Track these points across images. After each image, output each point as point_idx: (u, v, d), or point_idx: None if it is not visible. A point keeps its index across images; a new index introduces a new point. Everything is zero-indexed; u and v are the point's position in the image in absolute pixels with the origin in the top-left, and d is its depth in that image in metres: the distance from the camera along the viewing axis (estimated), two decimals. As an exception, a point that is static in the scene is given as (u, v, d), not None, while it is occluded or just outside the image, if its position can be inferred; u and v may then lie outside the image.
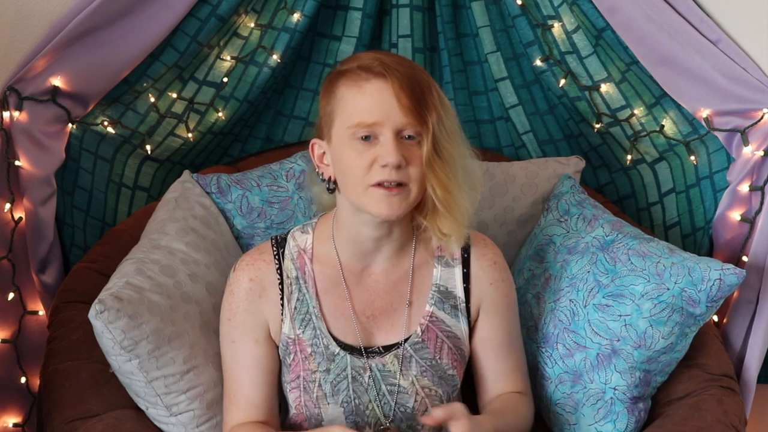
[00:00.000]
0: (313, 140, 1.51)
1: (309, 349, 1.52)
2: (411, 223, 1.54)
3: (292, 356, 1.53)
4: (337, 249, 1.54)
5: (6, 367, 1.86)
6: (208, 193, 1.87)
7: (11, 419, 1.90)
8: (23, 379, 1.88)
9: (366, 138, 1.41)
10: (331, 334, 1.53)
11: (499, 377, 1.61)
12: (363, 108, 1.41)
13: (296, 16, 2.04)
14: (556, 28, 2.06)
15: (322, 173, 1.50)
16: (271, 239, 1.58)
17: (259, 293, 1.53)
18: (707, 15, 1.89)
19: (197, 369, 1.58)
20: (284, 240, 1.57)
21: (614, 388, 1.64)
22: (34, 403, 1.90)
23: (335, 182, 1.49)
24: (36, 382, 1.87)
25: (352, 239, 1.52)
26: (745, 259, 1.91)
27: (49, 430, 1.59)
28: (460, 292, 1.57)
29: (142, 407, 1.59)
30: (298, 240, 1.57)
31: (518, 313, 1.66)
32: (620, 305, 1.65)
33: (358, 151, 1.42)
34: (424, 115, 1.41)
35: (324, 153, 1.49)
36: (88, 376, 1.61)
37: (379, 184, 1.41)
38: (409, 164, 1.42)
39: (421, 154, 1.42)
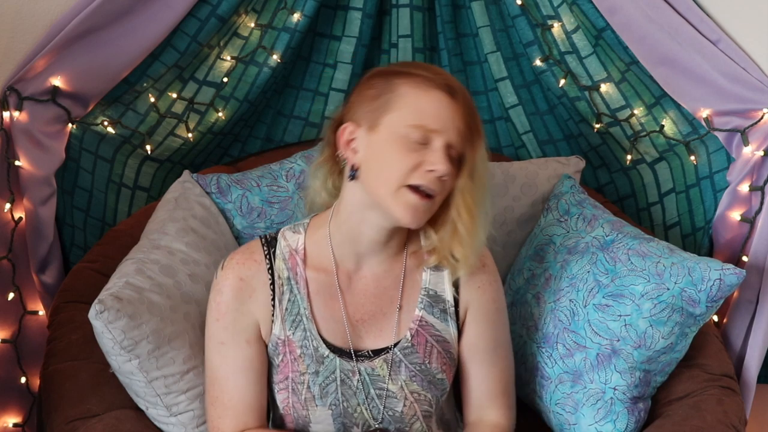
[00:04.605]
0: (346, 123, 1.47)
1: (298, 351, 1.51)
2: (407, 233, 1.54)
3: (280, 357, 1.51)
4: (333, 247, 1.53)
5: (6, 367, 1.86)
6: (208, 193, 1.87)
7: (11, 419, 1.90)
8: (23, 379, 1.88)
9: (418, 140, 1.41)
10: (321, 337, 1.52)
11: (483, 398, 1.58)
12: (429, 112, 1.41)
13: (296, 16, 2.04)
14: (556, 28, 2.06)
15: (346, 158, 1.47)
16: (260, 238, 1.56)
17: (250, 293, 1.51)
18: (707, 15, 1.89)
19: (197, 369, 1.58)
20: (274, 239, 1.55)
21: (614, 388, 1.64)
22: (34, 403, 1.90)
23: (356, 170, 1.46)
24: (36, 382, 1.87)
25: (351, 238, 1.51)
26: (745, 259, 1.91)
27: (49, 430, 1.59)
28: (449, 296, 1.56)
29: (142, 407, 1.59)
30: (290, 240, 1.55)
31: (507, 322, 1.63)
32: (620, 305, 1.65)
33: (408, 149, 1.41)
34: (475, 141, 1.44)
35: (354, 139, 1.46)
36: (88, 376, 1.61)
37: (415, 189, 1.41)
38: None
39: (454, 174, 1.44)
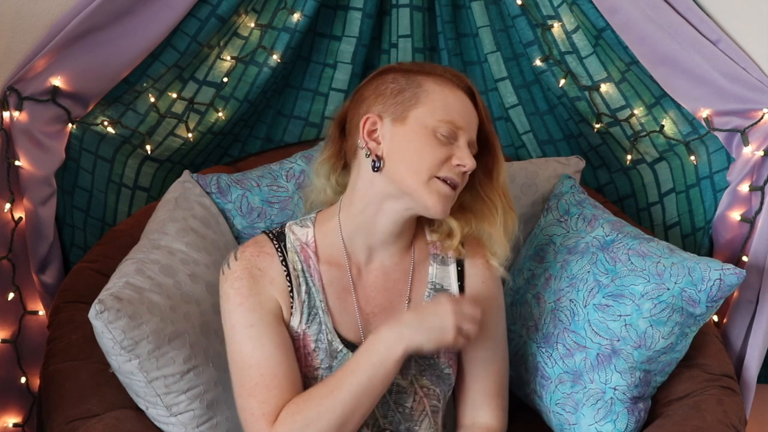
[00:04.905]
0: (368, 115, 1.49)
1: (312, 345, 1.51)
2: (416, 227, 1.57)
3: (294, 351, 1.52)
4: (344, 239, 1.53)
5: (6, 367, 1.86)
6: (208, 193, 1.87)
7: (11, 419, 1.90)
8: (23, 379, 1.88)
9: (445, 135, 1.47)
10: (335, 331, 1.52)
11: (477, 397, 1.58)
12: (455, 109, 1.49)
13: (296, 16, 2.04)
14: (556, 28, 2.06)
15: (369, 149, 1.49)
16: (266, 233, 1.55)
17: (270, 281, 1.50)
18: (707, 15, 1.89)
19: (197, 369, 1.58)
20: (281, 234, 1.55)
21: (614, 388, 1.64)
22: (34, 403, 1.90)
23: (380, 160, 1.47)
24: (36, 382, 1.87)
25: (365, 229, 1.52)
26: (745, 259, 1.91)
27: (49, 430, 1.59)
28: (455, 290, 1.58)
29: (142, 407, 1.59)
30: (298, 234, 1.55)
31: (505, 323, 1.63)
32: (620, 305, 1.65)
33: (438, 143, 1.47)
34: (494, 142, 1.55)
35: (376, 130, 1.49)
36: (88, 376, 1.61)
37: (444, 180, 1.46)
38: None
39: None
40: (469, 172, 1.50)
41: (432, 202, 1.46)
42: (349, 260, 1.54)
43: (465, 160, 1.47)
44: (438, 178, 1.46)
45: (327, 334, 1.51)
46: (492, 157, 1.56)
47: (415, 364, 1.53)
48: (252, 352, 1.46)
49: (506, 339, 1.63)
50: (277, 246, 1.53)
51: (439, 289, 1.57)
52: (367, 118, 1.49)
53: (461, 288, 1.58)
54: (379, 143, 1.48)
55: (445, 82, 1.50)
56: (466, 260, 1.59)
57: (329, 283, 1.53)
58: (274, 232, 1.56)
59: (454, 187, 1.48)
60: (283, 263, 1.52)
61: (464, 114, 1.49)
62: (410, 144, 1.46)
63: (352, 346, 1.51)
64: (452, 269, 1.58)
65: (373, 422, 1.53)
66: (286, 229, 1.56)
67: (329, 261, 1.54)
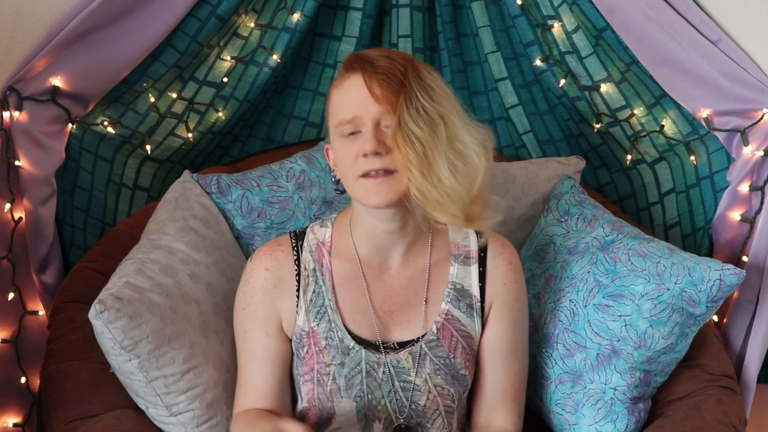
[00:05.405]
0: (327, 145, 1.55)
1: (323, 342, 1.52)
2: (426, 218, 1.52)
3: (306, 349, 1.53)
4: (355, 243, 1.55)
5: (6, 367, 1.86)
6: (208, 193, 1.87)
7: (11, 419, 1.90)
8: (23, 379, 1.88)
9: (352, 134, 1.45)
10: (346, 328, 1.53)
11: (494, 399, 1.58)
12: (343, 105, 1.45)
13: (296, 16, 2.04)
14: (556, 28, 2.06)
15: (335, 175, 1.53)
16: (290, 233, 1.60)
17: (275, 284, 1.54)
18: (707, 15, 1.89)
19: (197, 369, 1.58)
20: (303, 233, 1.59)
21: (614, 389, 1.64)
22: (34, 403, 1.90)
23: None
24: (36, 382, 1.87)
25: (368, 233, 1.53)
26: (745, 259, 1.91)
27: (49, 430, 1.59)
28: (475, 291, 1.57)
29: (142, 407, 1.59)
30: (317, 233, 1.58)
31: (527, 325, 1.63)
32: (620, 305, 1.65)
33: (346, 145, 1.45)
34: (394, 100, 1.40)
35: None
36: (88, 376, 1.62)
37: (366, 175, 1.43)
38: (391, 151, 1.41)
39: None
40: (382, 152, 1.40)
41: (366, 200, 1.44)
42: (361, 260, 1.55)
43: (365, 146, 1.41)
44: (362, 176, 1.43)
45: (337, 332, 1.53)
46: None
47: (430, 363, 1.54)
48: (241, 352, 1.57)
49: (527, 344, 1.63)
50: (294, 245, 1.57)
51: (460, 290, 1.57)
52: (327, 149, 1.55)
53: (482, 289, 1.58)
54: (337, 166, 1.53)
55: (339, 79, 1.47)
56: (488, 261, 1.58)
57: (341, 282, 1.55)
58: (297, 231, 1.60)
59: (383, 174, 1.41)
60: (296, 262, 1.55)
61: (354, 101, 1.43)
62: (336, 158, 1.49)
63: (366, 344, 1.53)
64: (474, 270, 1.58)
65: (385, 416, 1.53)
66: (308, 229, 1.59)
67: (344, 260, 1.56)
